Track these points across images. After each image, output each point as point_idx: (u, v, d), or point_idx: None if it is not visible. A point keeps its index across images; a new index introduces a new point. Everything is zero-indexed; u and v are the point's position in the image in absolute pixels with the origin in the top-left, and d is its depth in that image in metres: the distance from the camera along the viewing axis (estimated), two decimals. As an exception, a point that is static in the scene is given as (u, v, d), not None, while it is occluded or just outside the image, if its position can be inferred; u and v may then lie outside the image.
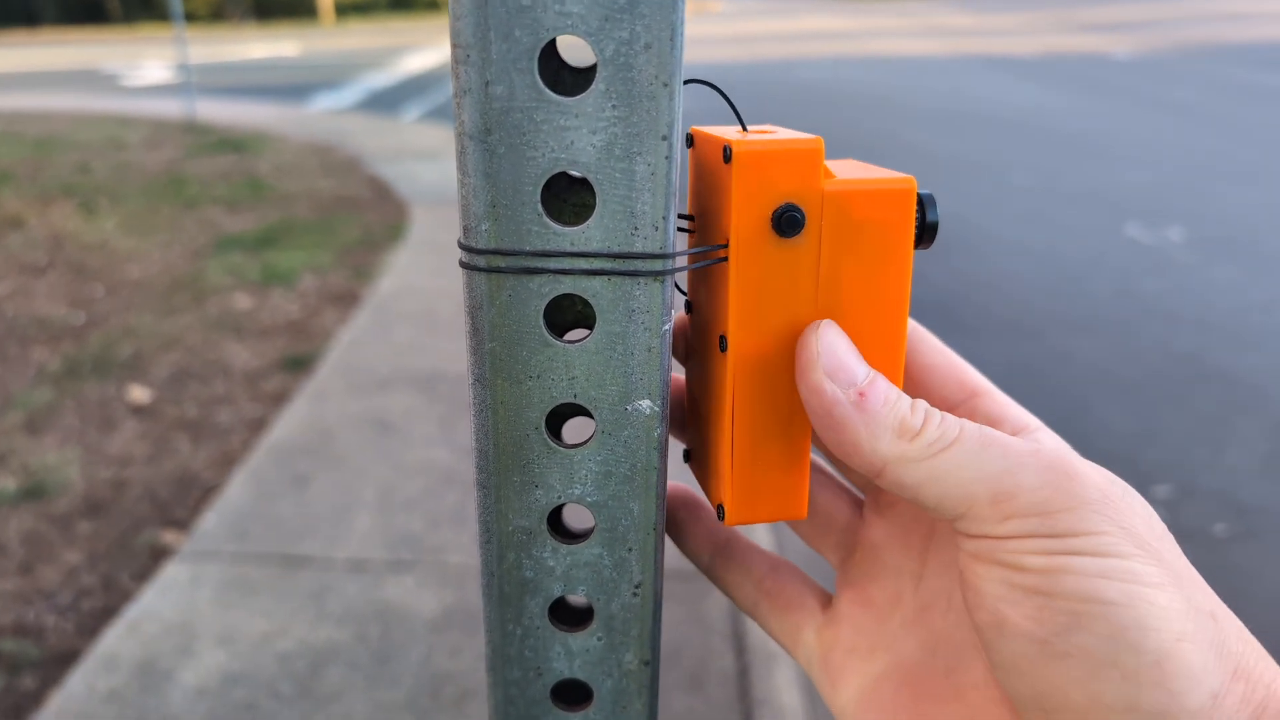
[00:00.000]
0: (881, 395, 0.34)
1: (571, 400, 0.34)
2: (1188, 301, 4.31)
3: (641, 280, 0.33)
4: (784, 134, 0.35)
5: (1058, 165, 7.02)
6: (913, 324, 0.42)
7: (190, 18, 21.82)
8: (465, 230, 0.32)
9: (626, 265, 0.32)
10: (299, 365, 3.62)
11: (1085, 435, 3.16)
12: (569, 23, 0.30)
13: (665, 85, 0.30)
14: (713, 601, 2.24)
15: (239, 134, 8.41)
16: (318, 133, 8.50)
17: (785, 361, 0.36)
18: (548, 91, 0.30)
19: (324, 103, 10.62)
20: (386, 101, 10.77)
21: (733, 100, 0.37)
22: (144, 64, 14.84)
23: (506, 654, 0.38)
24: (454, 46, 0.30)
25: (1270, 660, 0.32)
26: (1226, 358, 3.72)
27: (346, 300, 4.34)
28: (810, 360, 0.35)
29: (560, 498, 0.36)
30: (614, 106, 0.30)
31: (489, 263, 0.32)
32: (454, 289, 4.32)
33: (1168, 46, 14.19)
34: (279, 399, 3.35)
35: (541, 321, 0.33)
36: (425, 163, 7.21)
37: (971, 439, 0.34)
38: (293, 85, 12.03)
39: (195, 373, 3.59)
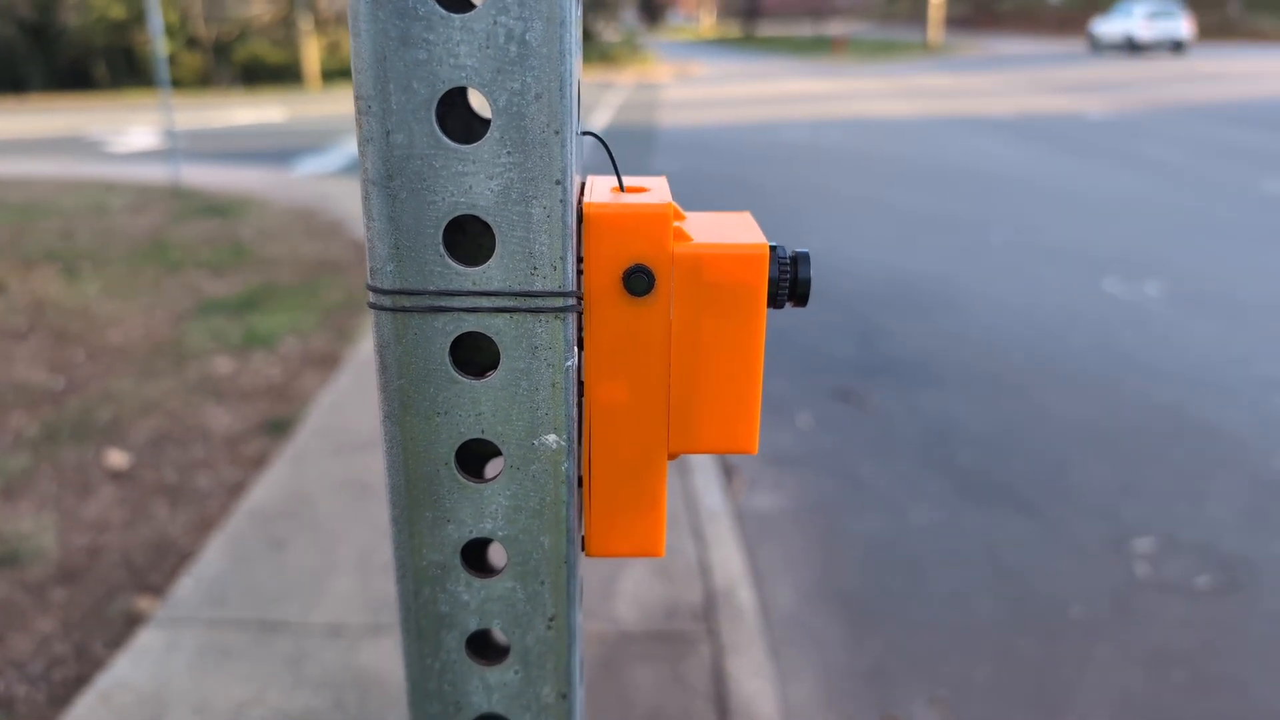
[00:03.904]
0: None
1: (479, 436, 0.35)
2: (1166, 355, 4.35)
3: (543, 317, 0.34)
4: (651, 195, 0.37)
5: (1035, 221, 7.12)
6: None
7: (177, 84, 22.04)
8: (371, 272, 0.33)
9: (529, 303, 0.33)
10: (279, 428, 3.61)
11: (1067, 489, 3.16)
12: (463, 75, 0.31)
13: (557, 133, 0.32)
14: (693, 661, 2.22)
15: (223, 199, 8.47)
16: (302, 197, 8.56)
17: (639, 411, 0.38)
18: (445, 139, 0.32)
19: (308, 167, 10.72)
20: (372, 166, 10.82)
21: (614, 157, 0.38)
22: (130, 130, 14.97)
23: (425, 688, 0.39)
24: (356, 98, 0.32)
25: None
26: (1206, 411, 3.75)
27: (328, 362, 4.34)
28: None
29: (472, 532, 0.37)
30: (509, 153, 0.32)
31: (395, 302, 0.33)
32: (436, 350, 4.32)
33: (1140, 106, 14.48)
34: (258, 462, 3.34)
35: (448, 358, 0.34)
36: (409, 226, 7.25)
37: None
38: (278, 150, 12.14)
39: (174, 437, 3.58)
